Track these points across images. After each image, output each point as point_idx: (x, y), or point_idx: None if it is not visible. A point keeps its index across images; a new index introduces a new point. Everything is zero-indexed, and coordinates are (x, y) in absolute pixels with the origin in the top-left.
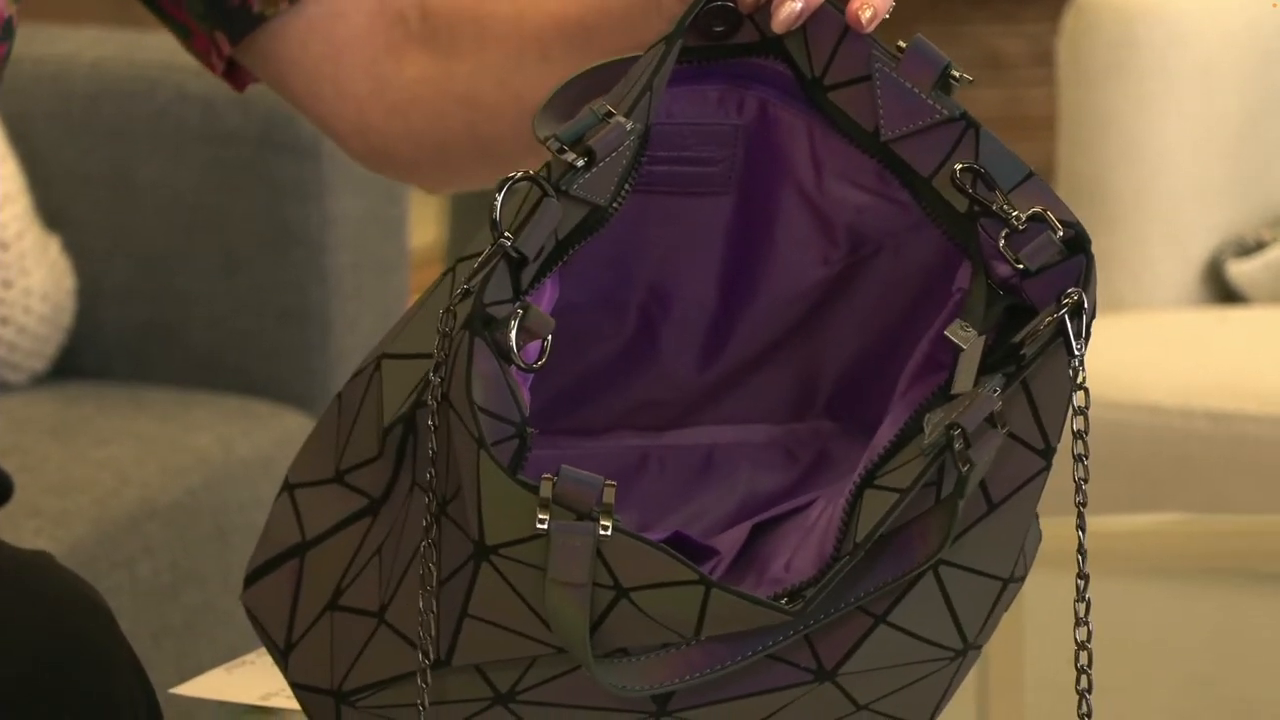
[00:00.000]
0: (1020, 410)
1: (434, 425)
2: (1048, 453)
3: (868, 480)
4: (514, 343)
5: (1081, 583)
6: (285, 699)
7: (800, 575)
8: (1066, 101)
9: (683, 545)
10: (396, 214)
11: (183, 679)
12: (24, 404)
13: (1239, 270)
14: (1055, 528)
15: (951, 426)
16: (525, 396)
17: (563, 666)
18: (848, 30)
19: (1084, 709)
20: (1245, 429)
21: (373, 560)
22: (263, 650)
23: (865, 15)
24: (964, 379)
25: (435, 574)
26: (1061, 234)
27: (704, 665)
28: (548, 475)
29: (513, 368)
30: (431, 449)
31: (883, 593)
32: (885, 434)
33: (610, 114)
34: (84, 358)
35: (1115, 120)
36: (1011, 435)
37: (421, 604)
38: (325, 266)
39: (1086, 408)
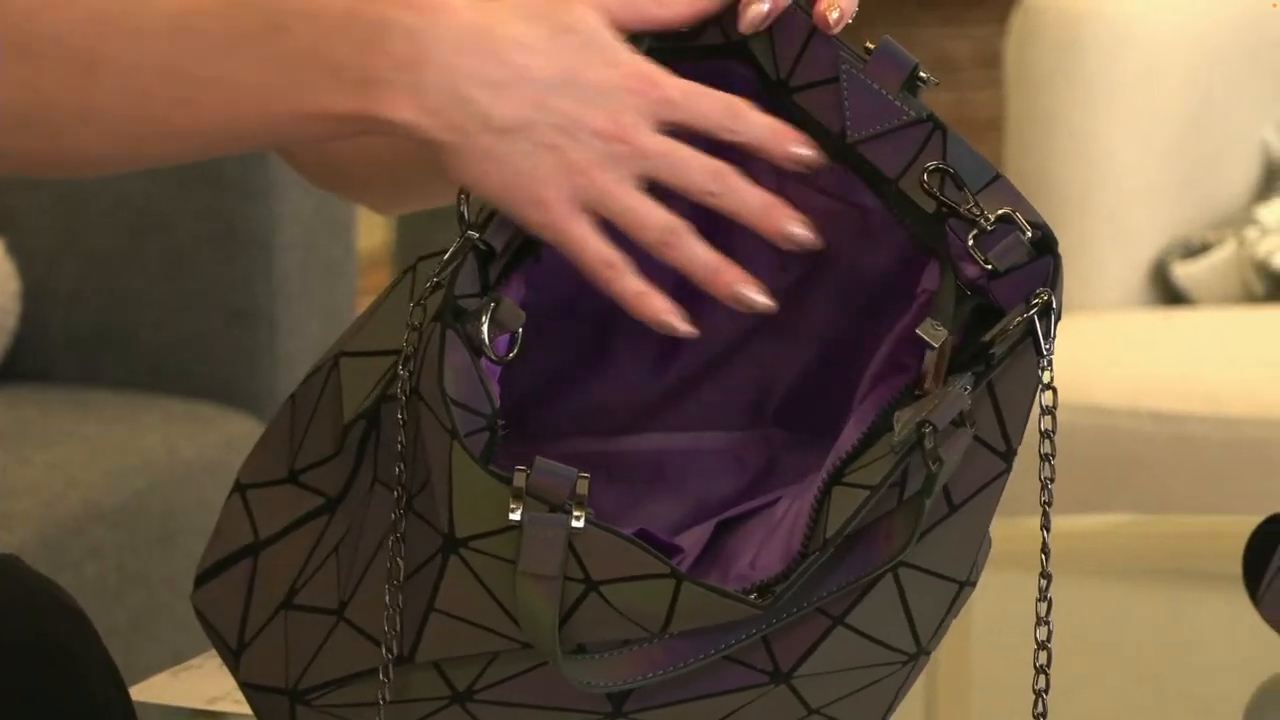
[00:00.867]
0: (985, 413)
1: (403, 419)
2: (1009, 455)
3: (836, 477)
4: (485, 335)
5: (1044, 582)
6: (232, 703)
7: (766, 572)
8: (1013, 104)
9: (648, 542)
10: (344, 215)
11: (129, 683)
12: None
13: (1185, 272)
14: (1001, 529)
15: (923, 424)
16: (495, 389)
17: (523, 664)
18: (815, 31)
19: (1040, 709)
20: (1191, 429)
21: (330, 558)
22: (209, 653)
23: (833, 16)
24: (933, 377)
25: (401, 568)
26: (1030, 235)
27: (667, 663)
28: (521, 467)
29: (483, 360)
30: (400, 443)
31: (844, 592)
32: (851, 433)
33: None
34: (29, 360)
35: (1062, 122)
36: (975, 437)
37: (387, 599)
38: (272, 267)
39: (1054, 407)
